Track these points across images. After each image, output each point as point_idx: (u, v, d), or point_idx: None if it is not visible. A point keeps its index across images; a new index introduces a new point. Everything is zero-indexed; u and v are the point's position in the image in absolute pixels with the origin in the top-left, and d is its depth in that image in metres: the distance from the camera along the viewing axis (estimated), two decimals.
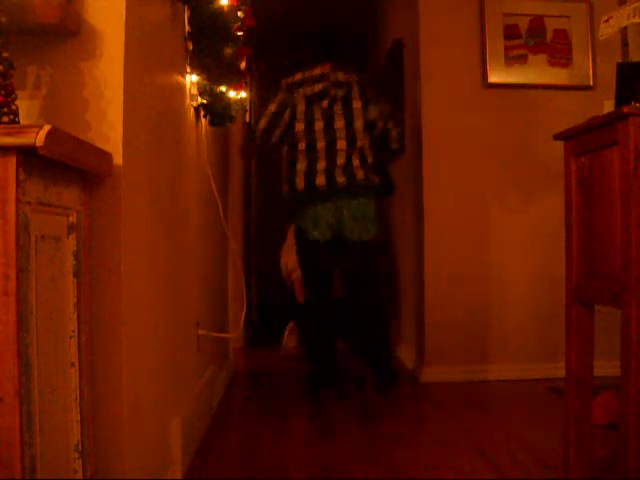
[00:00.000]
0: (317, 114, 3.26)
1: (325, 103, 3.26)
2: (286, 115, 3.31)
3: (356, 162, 3.23)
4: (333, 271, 3.45)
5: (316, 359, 3.40)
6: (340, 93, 3.28)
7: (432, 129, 3.51)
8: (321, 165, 3.22)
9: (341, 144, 3.23)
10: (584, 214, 1.80)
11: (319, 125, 3.25)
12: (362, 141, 3.26)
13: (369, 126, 3.30)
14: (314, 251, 3.33)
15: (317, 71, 3.34)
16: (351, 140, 3.25)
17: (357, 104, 3.28)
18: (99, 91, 1.39)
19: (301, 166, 3.26)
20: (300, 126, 3.28)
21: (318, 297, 3.41)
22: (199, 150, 2.52)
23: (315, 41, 3.36)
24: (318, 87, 3.29)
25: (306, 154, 3.26)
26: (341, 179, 3.20)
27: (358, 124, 3.26)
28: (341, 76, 3.31)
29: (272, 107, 3.35)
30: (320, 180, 3.21)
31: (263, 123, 3.37)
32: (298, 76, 3.37)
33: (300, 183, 3.25)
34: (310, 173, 3.24)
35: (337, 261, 3.36)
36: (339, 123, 3.25)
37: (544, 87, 3.51)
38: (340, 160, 3.22)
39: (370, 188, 3.27)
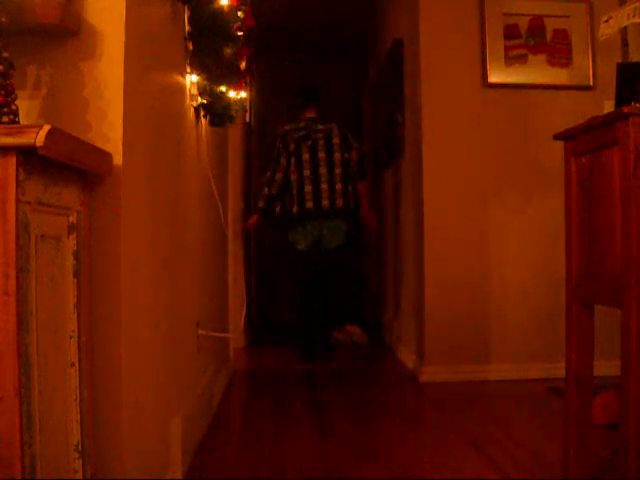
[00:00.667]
0: (304, 150, 4.04)
1: (309, 142, 4.06)
2: (284, 160, 4.07)
3: (338, 186, 4.04)
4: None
5: (307, 337, 4.15)
6: (320, 135, 4.08)
7: (432, 129, 3.51)
8: (308, 189, 4.00)
9: (323, 170, 4.02)
10: (584, 214, 1.80)
11: (306, 157, 4.03)
12: (339, 169, 4.05)
13: (345, 160, 4.10)
14: (301, 256, 4.17)
15: (301, 123, 4.12)
16: (330, 168, 4.03)
17: (336, 140, 4.09)
18: (99, 91, 1.39)
19: (294, 192, 4.02)
20: (293, 161, 4.04)
21: (308, 292, 4.20)
22: (199, 150, 2.52)
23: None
24: (302, 133, 4.08)
25: (297, 183, 4.01)
26: (325, 202, 4.01)
27: (337, 156, 4.07)
28: (320, 126, 4.10)
29: (283, 160, 4.07)
30: (309, 204, 4.01)
31: (279, 177, 4.09)
32: (287, 127, 4.13)
33: (294, 207, 4.02)
34: (301, 198, 4.01)
35: (316, 261, 4.18)
36: (321, 154, 4.05)
37: (544, 87, 3.51)
38: (324, 185, 4.01)
39: (345, 211, 4.08)
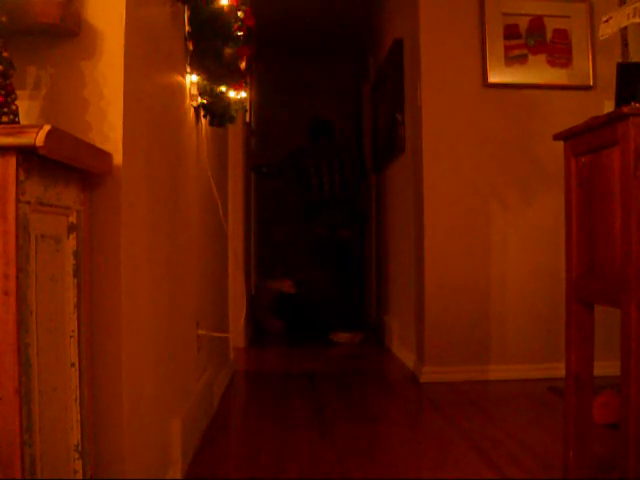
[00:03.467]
0: (310, 164, 5.24)
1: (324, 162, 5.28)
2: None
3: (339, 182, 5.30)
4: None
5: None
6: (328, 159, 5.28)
7: (432, 129, 3.51)
8: (324, 189, 5.25)
9: (326, 178, 5.21)
10: (584, 214, 1.80)
11: (312, 170, 5.22)
12: (337, 174, 5.25)
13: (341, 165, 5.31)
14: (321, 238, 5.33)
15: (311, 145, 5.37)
16: (331, 174, 5.25)
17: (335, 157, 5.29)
18: (99, 91, 1.39)
19: (314, 197, 5.25)
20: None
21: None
22: (199, 150, 2.52)
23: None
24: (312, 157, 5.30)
25: (314, 186, 5.28)
26: (339, 194, 5.23)
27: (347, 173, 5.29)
28: (325, 148, 5.27)
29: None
30: (326, 194, 5.22)
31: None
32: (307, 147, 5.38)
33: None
34: (320, 197, 5.23)
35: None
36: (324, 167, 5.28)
37: (544, 87, 3.51)
38: (326, 187, 5.26)
39: (347, 200, 5.28)
